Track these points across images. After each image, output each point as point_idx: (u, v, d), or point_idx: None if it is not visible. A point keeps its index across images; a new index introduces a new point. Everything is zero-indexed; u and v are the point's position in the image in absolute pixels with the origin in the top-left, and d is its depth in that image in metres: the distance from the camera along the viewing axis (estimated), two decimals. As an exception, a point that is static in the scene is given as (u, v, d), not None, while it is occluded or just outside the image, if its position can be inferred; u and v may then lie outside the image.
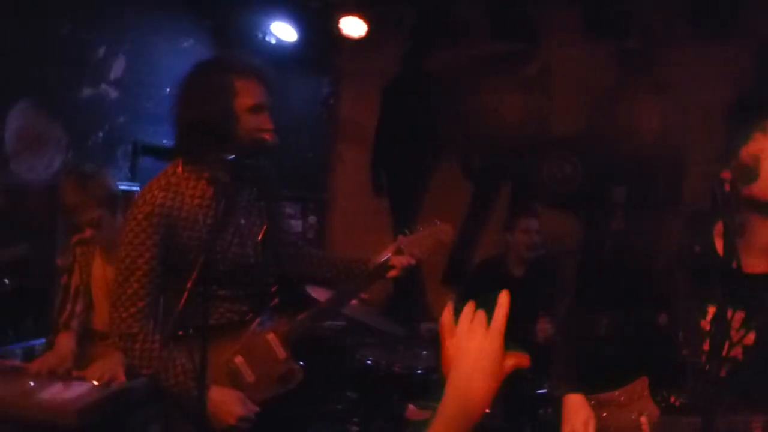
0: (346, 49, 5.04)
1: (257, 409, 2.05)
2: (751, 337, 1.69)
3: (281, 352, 2.14)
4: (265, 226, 2.20)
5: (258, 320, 2.17)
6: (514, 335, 3.87)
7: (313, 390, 2.30)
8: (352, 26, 4.75)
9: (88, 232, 2.52)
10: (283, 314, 2.23)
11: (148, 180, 2.14)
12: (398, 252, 2.23)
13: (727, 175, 1.55)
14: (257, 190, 2.22)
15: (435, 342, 3.75)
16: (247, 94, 2.03)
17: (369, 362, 3.54)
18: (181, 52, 4.40)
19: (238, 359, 2.12)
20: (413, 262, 2.21)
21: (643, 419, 1.81)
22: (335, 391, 3.67)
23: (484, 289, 3.95)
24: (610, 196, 4.52)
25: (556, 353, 2.13)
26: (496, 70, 4.82)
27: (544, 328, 3.65)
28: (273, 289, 2.24)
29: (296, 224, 4.79)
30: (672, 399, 1.78)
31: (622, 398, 1.88)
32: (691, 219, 1.83)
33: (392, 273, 2.22)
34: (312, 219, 4.62)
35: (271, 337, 2.15)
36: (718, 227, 1.71)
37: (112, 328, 2.02)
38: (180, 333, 2.00)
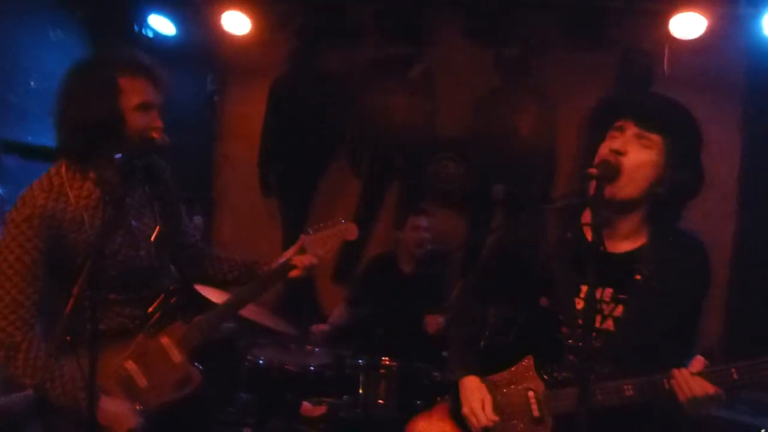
0: (231, 46, 4.94)
1: (144, 421, 2.00)
2: (619, 309, 1.88)
3: (176, 356, 2.09)
4: (158, 228, 2.13)
5: (150, 324, 2.10)
6: (407, 328, 3.99)
7: (207, 393, 2.25)
8: (236, 22, 4.68)
9: None
10: (177, 317, 2.15)
11: (11, 181, 2.01)
12: (301, 251, 2.23)
13: (593, 171, 1.74)
14: (150, 189, 2.15)
15: (326, 342, 3.82)
16: (133, 92, 1.97)
17: (261, 362, 3.51)
18: (48, 45, 4.14)
19: (129, 365, 2.06)
20: (315, 261, 2.22)
21: (530, 394, 1.96)
22: (229, 394, 3.61)
23: (375, 285, 4.05)
24: (492, 194, 4.76)
25: (450, 341, 2.24)
26: (384, 71, 4.93)
27: (434, 321, 3.80)
28: (171, 290, 2.18)
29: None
30: (555, 374, 1.94)
31: (511, 378, 2.02)
32: (563, 212, 2.00)
33: (294, 273, 2.21)
34: (197, 219, 4.47)
35: (165, 341, 2.10)
36: (586, 217, 1.89)
37: None
38: (67, 338, 1.91)
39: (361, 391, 3.41)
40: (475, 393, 2.01)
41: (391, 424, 3.30)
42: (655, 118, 1.83)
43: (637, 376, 1.80)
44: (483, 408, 1.97)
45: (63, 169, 2.00)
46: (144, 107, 1.99)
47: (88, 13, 4.34)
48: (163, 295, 2.15)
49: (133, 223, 2.08)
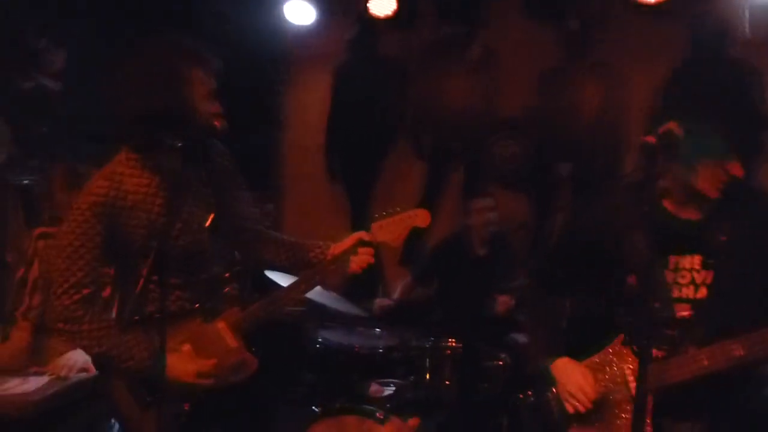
0: (295, 35, 5.03)
1: (213, 363, 2.05)
2: (710, 276, 1.85)
3: (232, 341, 2.10)
4: (212, 214, 2.13)
5: (207, 308, 2.13)
6: (471, 309, 3.96)
7: (273, 376, 2.31)
8: (300, 12, 4.77)
9: (51, 229, 2.51)
10: (235, 302, 2.17)
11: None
12: (367, 238, 2.17)
13: (651, 139, 1.68)
14: (208, 175, 2.15)
15: (388, 317, 3.86)
16: (198, 82, 2.00)
17: (329, 344, 3.59)
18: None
19: (186, 348, 2.09)
20: (372, 261, 2.17)
21: (628, 372, 1.92)
22: (295, 376, 3.71)
23: (444, 265, 4.01)
24: (556, 173, 4.66)
25: (528, 329, 2.21)
26: (443, 52, 4.89)
27: (504, 301, 3.78)
28: (225, 276, 2.19)
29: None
30: (652, 350, 1.86)
31: (603, 360, 1.98)
32: (634, 186, 1.94)
33: (352, 268, 2.17)
34: (269, 206, 4.60)
35: (221, 325, 2.11)
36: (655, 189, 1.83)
37: (53, 316, 2.00)
38: (135, 318, 2.02)
39: (427, 373, 3.43)
40: (574, 371, 1.98)
41: (457, 405, 3.31)
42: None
43: (741, 337, 1.74)
44: (587, 381, 1.94)
45: (123, 158, 2.06)
46: (208, 96, 2.02)
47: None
48: (224, 278, 2.17)
49: (191, 209, 2.10)
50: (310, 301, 3.30)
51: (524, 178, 4.81)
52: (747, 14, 4.15)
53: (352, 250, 2.16)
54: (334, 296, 3.51)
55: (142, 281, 1.90)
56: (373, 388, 3.48)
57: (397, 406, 3.34)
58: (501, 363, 3.41)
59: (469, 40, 4.87)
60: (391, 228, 2.17)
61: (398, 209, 2.20)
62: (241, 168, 2.28)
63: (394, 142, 5.12)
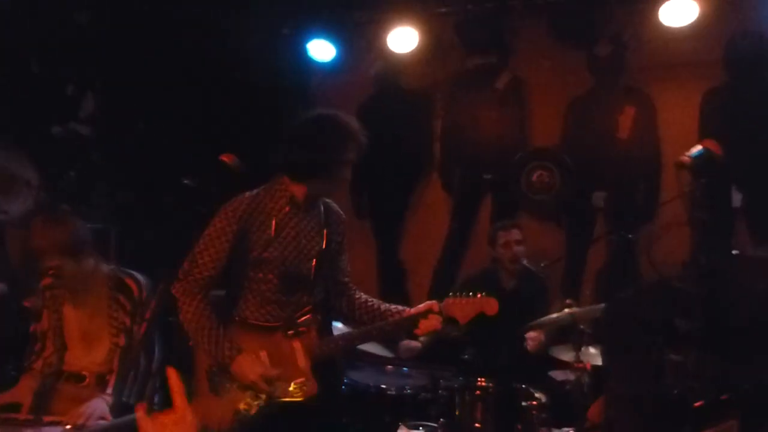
0: (318, 72, 5.06)
1: (277, 372, 2.38)
2: None
3: (302, 361, 2.42)
4: (323, 246, 2.54)
5: (291, 327, 2.47)
6: (507, 346, 3.81)
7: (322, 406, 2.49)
8: (323, 49, 4.80)
9: (47, 280, 2.51)
10: (313, 328, 2.50)
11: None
12: (437, 309, 2.49)
13: (686, 159, 1.54)
14: (325, 222, 2.58)
15: (416, 359, 3.74)
16: (348, 150, 2.49)
17: (357, 385, 3.49)
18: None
19: (263, 353, 2.44)
20: (438, 327, 2.52)
21: None
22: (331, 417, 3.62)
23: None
24: (592, 202, 4.51)
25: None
26: (470, 83, 4.84)
27: (535, 338, 3.62)
28: (314, 307, 2.53)
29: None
30: None
31: None
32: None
33: (418, 331, 2.53)
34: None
35: (297, 345, 2.44)
36: None
37: (179, 276, 2.39)
38: (236, 318, 2.47)
39: (457, 414, 3.28)
40: None
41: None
42: None
43: None
44: None
45: (275, 184, 2.52)
46: (350, 163, 2.50)
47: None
48: (309, 307, 2.52)
49: (303, 240, 2.51)
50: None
51: (557, 209, 4.66)
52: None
53: (424, 315, 2.51)
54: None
55: (248, 284, 2.38)
56: (402, 430, 3.35)
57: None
58: (535, 403, 3.23)
59: (497, 70, 4.81)
60: (462, 306, 2.51)
61: (472, 294, 2.53)
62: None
63: (422, 176, 5.06)
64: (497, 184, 4.80)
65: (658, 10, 4.11)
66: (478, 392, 3.25)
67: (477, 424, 3.21)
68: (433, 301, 2.53)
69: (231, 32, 4.47)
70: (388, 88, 5.02)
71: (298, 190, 2.50)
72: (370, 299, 2.72)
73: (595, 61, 4.51)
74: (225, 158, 2.30)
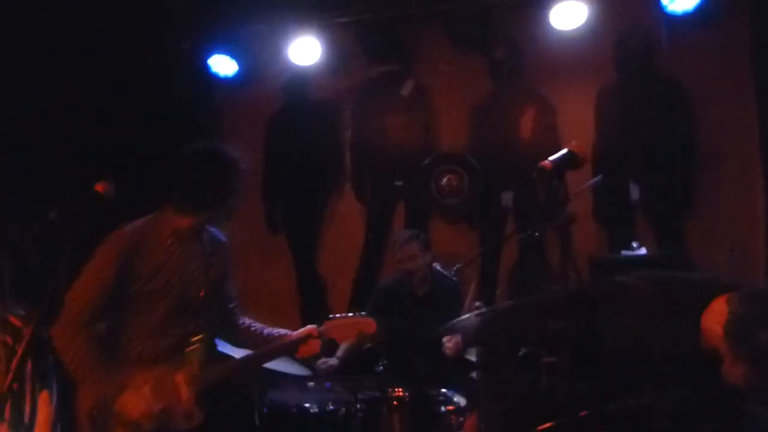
0: (224, 88, 4.96)
1: (161, 406, 2.38)
2: None
3: (185, 393, 2.43)
4: (209, 276, 2.54)
5: (174, 359, 2.47)
6: (422, 352, 3.82)
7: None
8: (224, 66, 4.71)
9: None
10: (197, 360, 2.50)
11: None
12: (316, 334, 2.60)
13: (547, 165, 1.54)
14: (212, 250, 2.61)
15: (334, 376, 3.71)
16: (234, 180, 2.52)
17: (278, 406, 3.43)
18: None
19: (146, 389, 2.41)
20: (317, 351, 2.66)
21: None
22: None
23: (391, 311, 3.90)
24: (501, 202, 4.61)
25: None
26: (375, 92, 4.86)
27: (452, 342, 3.64)
28: (199, 338, 2.52)
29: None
30: None
31: None
32: None
33: (299, 355, 2.66)
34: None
35: (179, 378, 2.44)
36: None
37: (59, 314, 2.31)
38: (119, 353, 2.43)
39: (378, 427, 3.28)
40: None
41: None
42: None
43: None
44: None
45: (159, 216, 2.52)
46: (235, 193, 2.54)
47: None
48: (195, 336, 2.52)
49: (189, 270, 2.51)
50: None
51: (468, 211, 4.74)
52: (665, 30, 4.21)
53: (303, 340, 2.62)
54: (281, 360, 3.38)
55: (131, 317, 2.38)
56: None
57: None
58: (453, 408, 3.27)
59: (401, 78, 4.85)
60: (339, 328, 2.64)
61: (350, 314, 2.67)
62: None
63: (335, 187, 5.03)
64: (408, 190, 4.83)
65: (549, 13, 4.25)
66: (395, 403, 3.26)
67: (396, 433, 3.23)
68: (313, 326, 2.63)
69: (126, 50, 4.31)
70: (295, 100, 4.98)
71: (184, 222, 2.51)
72: (253, 324, 2.76)
73: (494, 66, 4.62)
74: (99, 187, 2.16)
